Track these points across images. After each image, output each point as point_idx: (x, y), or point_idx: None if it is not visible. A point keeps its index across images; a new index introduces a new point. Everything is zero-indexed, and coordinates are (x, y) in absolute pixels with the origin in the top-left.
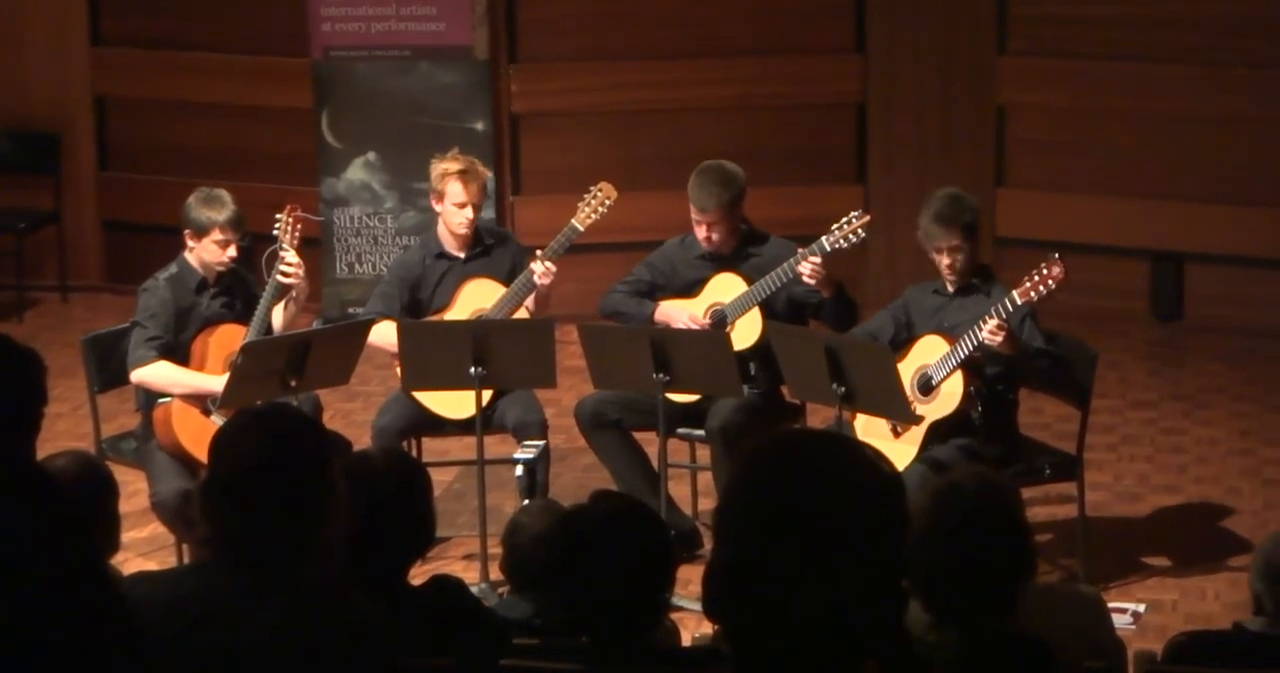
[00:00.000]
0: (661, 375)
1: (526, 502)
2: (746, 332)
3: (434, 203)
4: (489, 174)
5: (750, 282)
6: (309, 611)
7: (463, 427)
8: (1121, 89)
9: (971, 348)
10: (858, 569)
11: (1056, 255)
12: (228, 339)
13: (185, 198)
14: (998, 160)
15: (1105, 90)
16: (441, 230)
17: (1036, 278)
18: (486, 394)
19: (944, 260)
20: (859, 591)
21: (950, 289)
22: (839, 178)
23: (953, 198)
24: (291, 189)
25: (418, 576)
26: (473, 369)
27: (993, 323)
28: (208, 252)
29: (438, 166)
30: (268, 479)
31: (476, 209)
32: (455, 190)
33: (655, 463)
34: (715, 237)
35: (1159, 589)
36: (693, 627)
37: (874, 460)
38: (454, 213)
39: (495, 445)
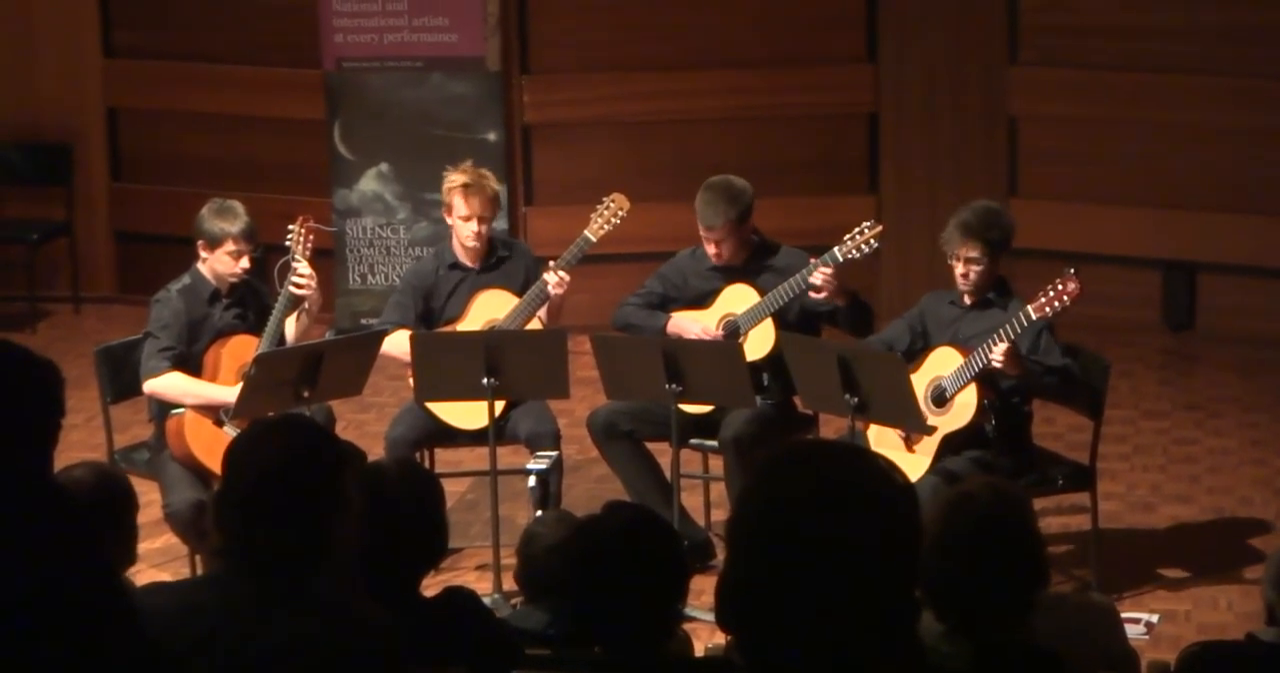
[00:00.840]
0: (674, 386)
1: (540, 513)
2: (759, 342)
3: (445, 215)
4: (498, 187)
5: (762, 292)
6: (323, 622)
7: (475, 437)
8: (1133, 99)
9: (983, 364)
10: (870, 580)
11: (1072, 270)
12: (240, 350)
13: (197, 209)
14: (1009, 170)
15: (1117, 100)
16: (454, 241)
17: (1052, 293)
18: (499, 405)
19: (958, 269)
20: (872, 601)
21: (966, 301)
22: (851, 188)
23: (985, 211)
24: (304, 200)
25: (431, 586)
26: (485, 380)
27: (1001, 347)
28: (221, 263)
29: (446, 179)
30: (282, 490)
31: (484, 221)
32: (459, 204)
33: (668, 474)
34: (724, 252)
35: (1172, 599)
36: (705, 637)
37: (887, 471)
38: (461, 226)
39: (508, 456)
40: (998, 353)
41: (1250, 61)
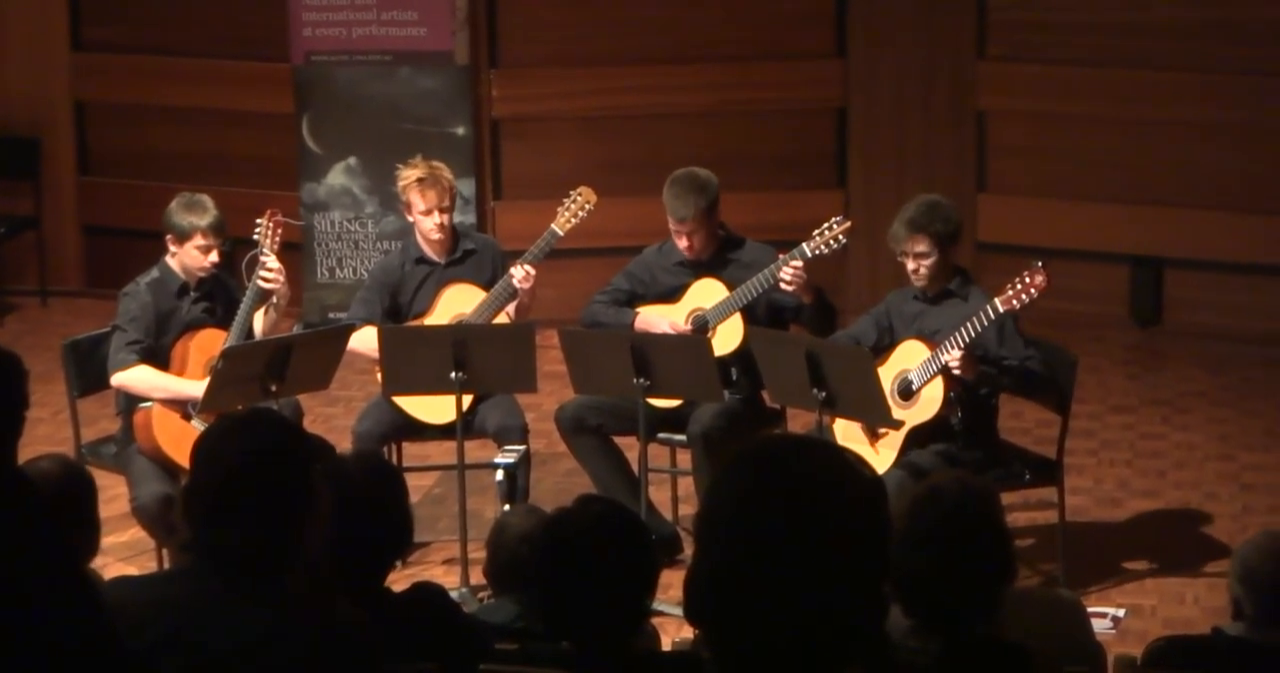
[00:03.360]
0: (642, 380)
1: (508, 507)
2: (728, 337)
3: (405, 213)
4: (451, 178)
5: (731, 287)
6: (292, 616)
7: (443, 431)
8: (1101, 94)
9: (944, 364)
10: (839, 574)
11: (1040, 263)
12: (208, 344)
13: (165, 203)
14: (978, 165)
15: (1085, 96)
16: (419, 236)
17: (1019, 286)
18: (467, 399)
19: (909, 265)
20: (840, 596)
21: (929, 293)
22: (820, 183)
23: (929, 205)
24: (272, 194)
25: (398, 581)
26: (453, 374)
27: (955, 353)
28: (189, 257)
29: (400, 177)
30: (250, 485)
31: (445, 212)
32: (417, 199)
33: (636, 468)
34: (696, 243)
35: (1138, 594)
36: (673, 632)
37: (855, 465)
38: (422, 220)
39: (476, 450)
40: (952, 357)
41: (1218, 57)
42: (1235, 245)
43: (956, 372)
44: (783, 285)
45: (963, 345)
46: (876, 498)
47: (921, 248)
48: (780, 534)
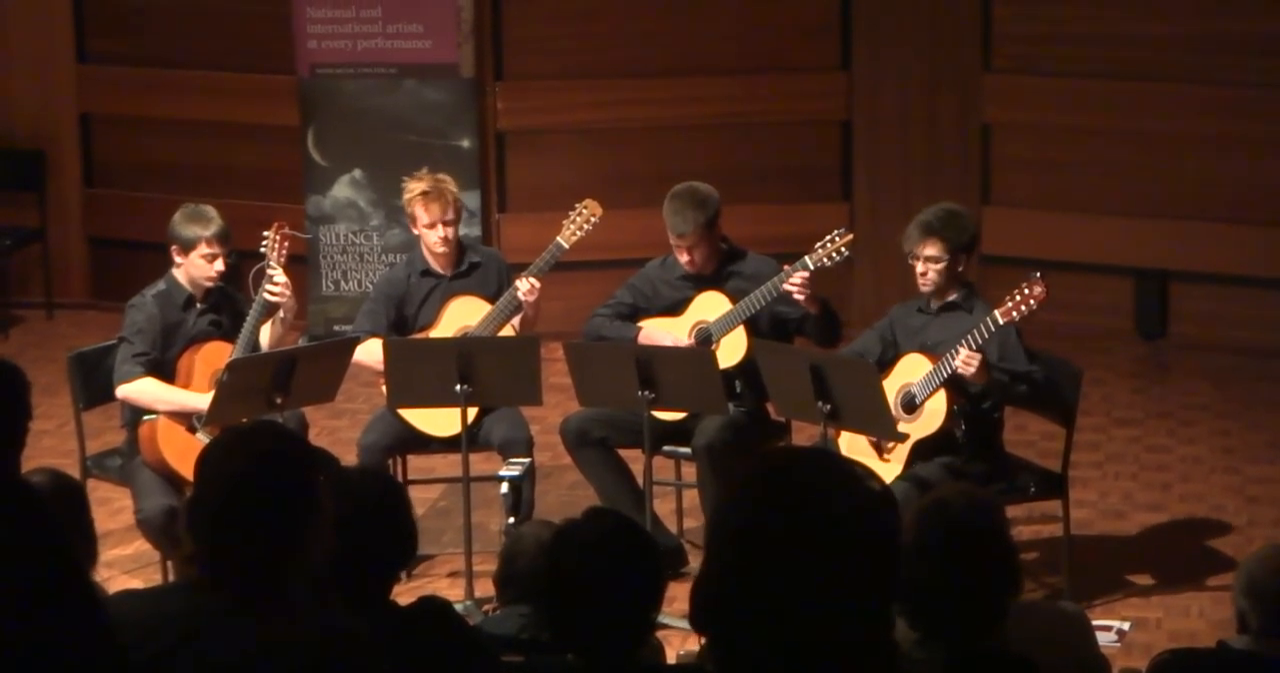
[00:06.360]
0: (647, 393)
1: (512, 520)
2: (732, 349)
3: (411, 226)
4: (456, 190)
5: (734, 299)
6: (295, 629)
7: (448, 444)
8: (1107, 107)
9: (951, 370)
10: (846, 586)
11: (1038, 274)
12: (214, 356)
13: (171, 215)
14: (983, 178)
15: (1090, 108)
16: (425, 249)
17: (1018, 298)
18: (472, 412)
19: (918, 268)
20: (847, 607)
21: (933, 306)
22: (824, 196)
23: (948, 212)
24: (277, 206)
25: (403, 594)
26: (458, 387)
27: (964, 354)
28: (195, 266)
29: (405, 190)
30: (254, 498)
31: (450, 225)
32: (421, 212)
33: (640, 480)
34: (697, 258)
35: (1144, 607)
36: (678, 644)
37: (863, 477)
38: (427, 233)
39: (481, 463)
40: (960, 359)
41: (1222, 70)
42: (1240, 258)
43: (963, 372)
44: (792, 295)
45: (967, 357)
46: (883, 510)
47: (932, 252)
48: (787, 547)
